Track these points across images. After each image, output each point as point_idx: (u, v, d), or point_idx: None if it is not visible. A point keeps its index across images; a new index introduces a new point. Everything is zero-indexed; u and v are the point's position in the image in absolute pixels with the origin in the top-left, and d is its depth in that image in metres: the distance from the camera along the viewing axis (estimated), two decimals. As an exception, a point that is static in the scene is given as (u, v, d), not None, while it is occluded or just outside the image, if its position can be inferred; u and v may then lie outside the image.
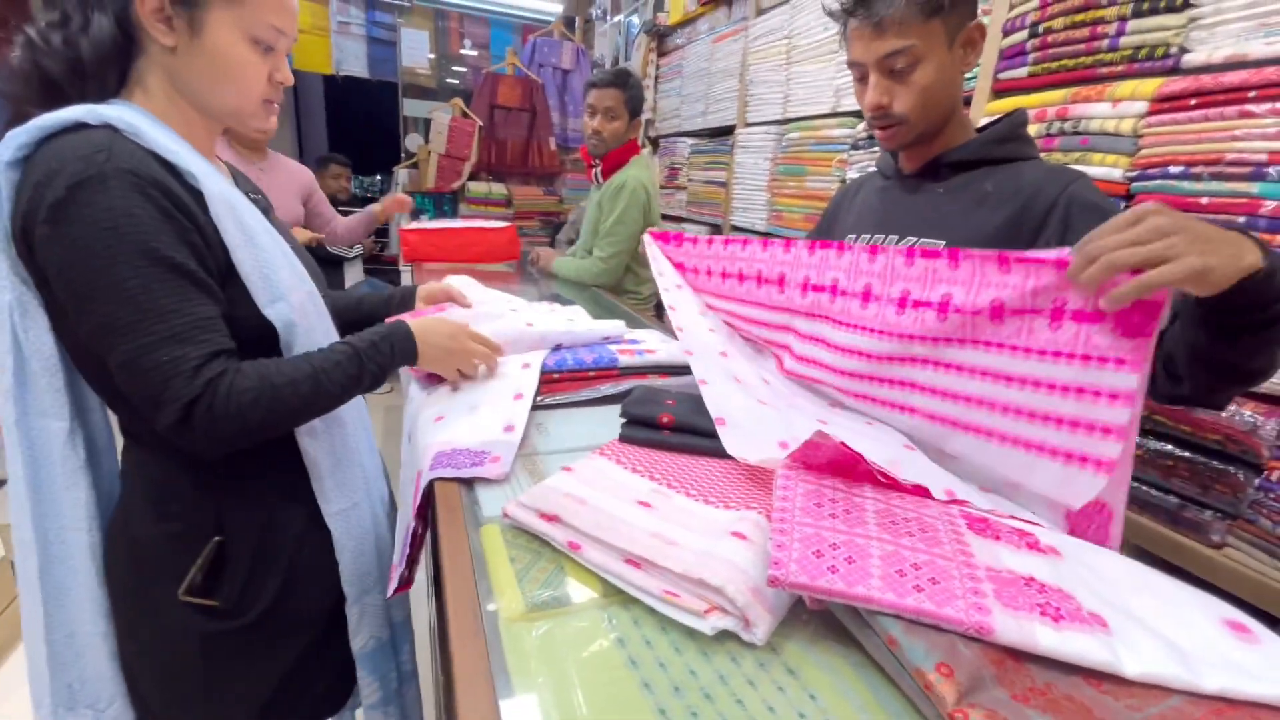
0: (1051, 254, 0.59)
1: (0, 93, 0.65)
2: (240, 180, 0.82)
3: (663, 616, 0.49)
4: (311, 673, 0.80)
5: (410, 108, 4.06)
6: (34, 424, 0.66)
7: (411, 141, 3.91)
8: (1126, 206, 1.05)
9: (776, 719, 0.41)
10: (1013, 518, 0.57)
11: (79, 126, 0.60)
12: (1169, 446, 0.99)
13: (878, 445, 0.73)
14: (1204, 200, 0.95)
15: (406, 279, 2.41)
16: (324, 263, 3.19)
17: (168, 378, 0.60)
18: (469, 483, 0.69)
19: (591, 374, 0.96)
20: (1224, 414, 0.91)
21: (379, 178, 5.18)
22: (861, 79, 0.89)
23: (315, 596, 0.79)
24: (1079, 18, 1.12)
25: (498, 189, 3.79)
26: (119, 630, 0.74)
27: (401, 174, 3.79)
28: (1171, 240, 0.51)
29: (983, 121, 0.96)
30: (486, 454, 0.72)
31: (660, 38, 3.01)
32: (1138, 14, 1.04)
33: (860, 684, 0.44)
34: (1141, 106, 1.01)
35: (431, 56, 4.12)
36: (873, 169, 1.12)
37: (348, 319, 1.00)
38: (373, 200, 2.60)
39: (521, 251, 2.39)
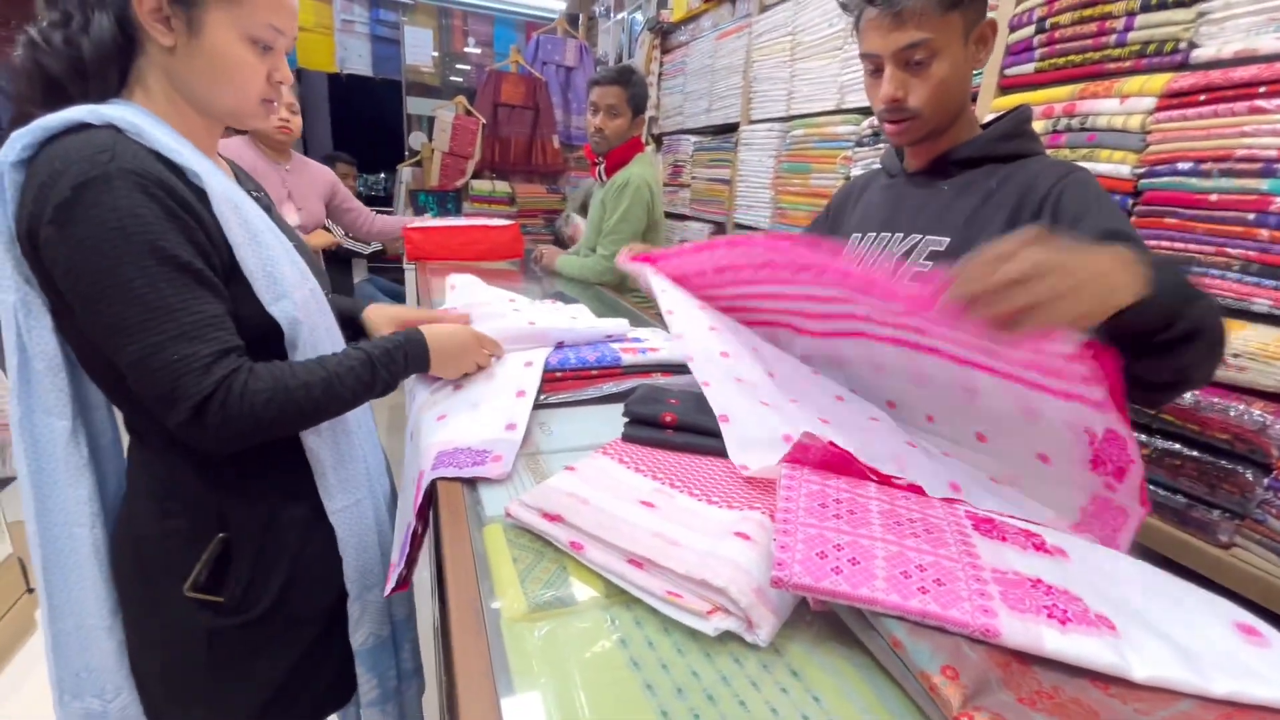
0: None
1: (3, 92, 0.65)
2: (243, 179, 0.82)
3: (665, 617, 0.49)
4: (315, 669, 0.80)
5: (414, 106, 4.07)
6: (38, 422, 0.67)
7: (415, 140, 3.91)
8: (1134, 204, 1.05)
9: (780, 721, 0.41)
10: (1013, 517, 0.57)
11: (82, 127, 0.60)
12: (1176, 445, 0.98)
13: (879, 441, 0.73)
14: (1213, 197, 0.94)
15: (410, 277, 2.41)
16: (334, 260, 3.21)
17: (178, 376, 0.60)
18: (471, 482, 0.69)
19: (594, 372, 0.96)
20: (1232, 413, 0.90)
21: (383, 176, 5.19)
22: (875, 72, 0.88)
23: (319, 593, 0.79)
24: (1086, 13, 1.11)
25: (501, 187, 3.79)
26: (126, 625, 0.75)
27: (405, 172, 3.80)
28: (1050, 282, 0.48)
29: (988, 118, 0.95)
30: (488, 453, 0.72)
31: (664, 34, 3.00)
32: (1146, 8, 1.03)
33: (864, 686, 0.44)
34: (1150, 102, 1.00)
35: (435, 54, 4.12)
36: (877, 166, 1.11)
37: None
38: (377, 199, 2.62)
39: (525, 249, 2.39)
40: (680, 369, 0.98)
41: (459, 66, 4.28)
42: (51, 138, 0.60)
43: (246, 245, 0.67)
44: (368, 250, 2.99)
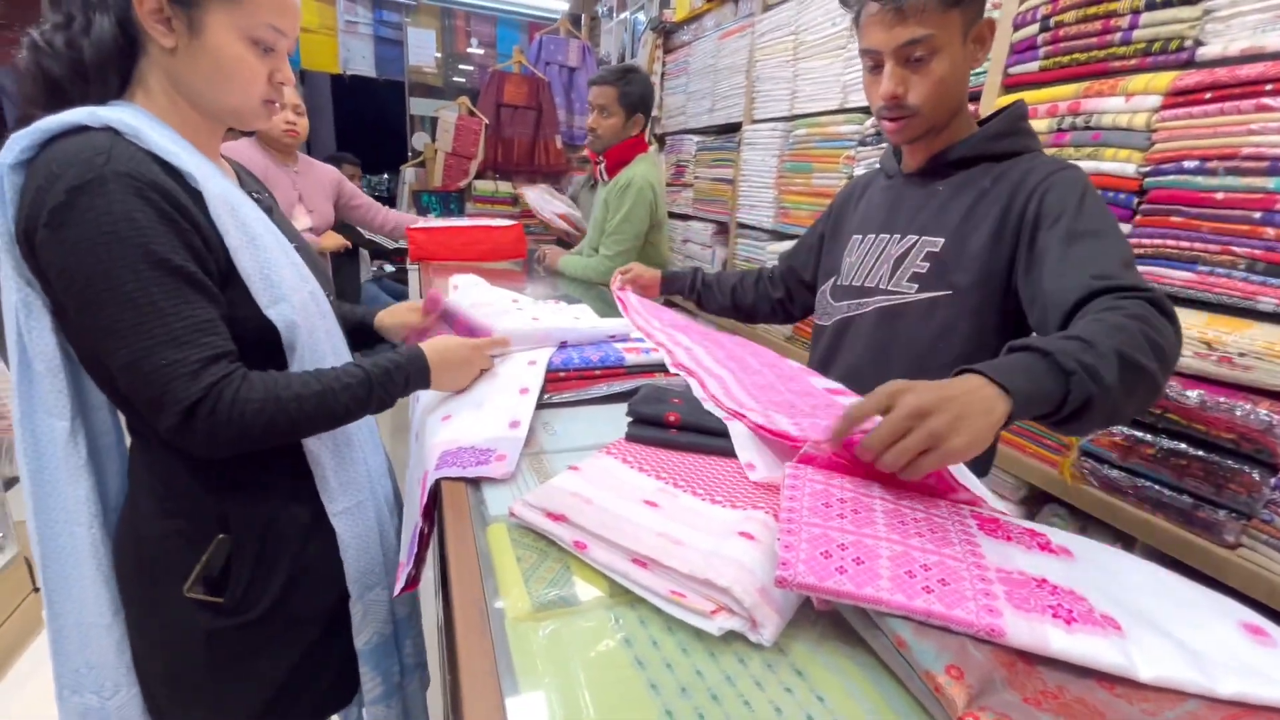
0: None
1: (6, 93, 0.66)
2: (245, 180, 0.82)
3: (669, 617, 0.49)
4: (316, 669, 0.80)
5: (417, 106, 4.08)
6: (38, 422, 0.67)
7: (418, 140, 3.92)
8: (1139, 204, 1.04)
9: (784, 720, 0.41)
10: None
11: (80, 129, 0.60)
12: (1182, 445, 0.98)
13: None
14: (1219, 195, 0.93)
15: (414, 278, 2.41)
16: (344, 259, 3.21)
17: (168, 380, 0.60)
18: (476, 482, 0.69)
19: (598, 372, 0.96)
20: (1239, 412, 0.90)
21: (386, 177, 5.21)
22: (875, 68, 0.88)
23: (320, 593, 0.79)
24: (1091, 10, 1.11)
25: (504, 187, 3.79)
26: (128, 625, 0.75)
27: (409, 173, 3.80)
28: (930, 426, 0.51)
29: (984, 113, 0.95)
30: (492, 452, 0.72)
31: (666, 34, 3.00)
32: (1151, 6, 1.03)
33: (869, 686, 0.44)
34: (1155, 101, 1.00)
35: (438, 55, 4.13)
36: (877, 166, 1.11)
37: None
38: (381, 200, 2.62)
39: (528, 249, 2.39)
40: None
41: (462, 67, 4.29)
42: (50, 140, 0.60)
43: (243, 248, 0.66)
44: (392, 244, 2.99)
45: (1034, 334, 0.81)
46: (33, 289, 0.64)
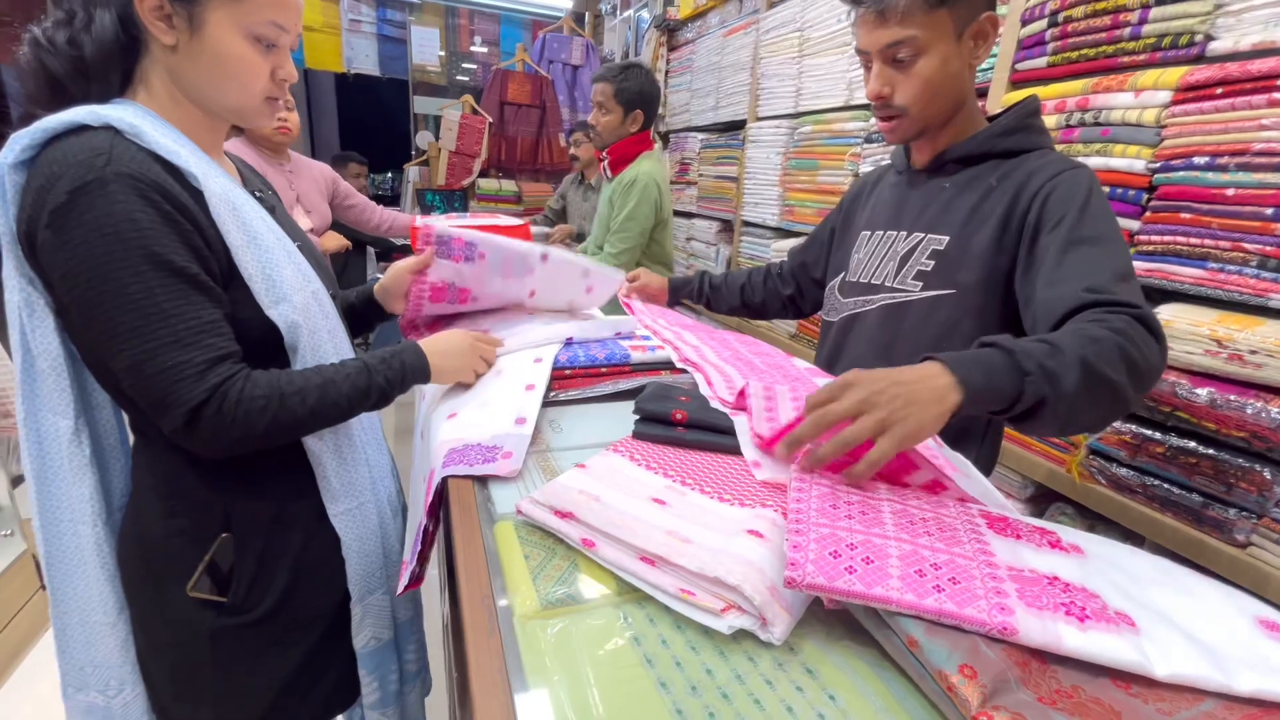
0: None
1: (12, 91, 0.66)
2: (249, 178, 0.81)
3: (678, 615, 0.49)
4: (319, 669, 0.80)
5: (421, 105, 4.08)
6: (42, 420, 0.67)
7: (422, 139, 3.92)
8: (1149, 200, 1.03)
9: (795, 718, 0.41)
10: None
11: (81, 129, 0.60)
12: (1192, 443, 0.97)
13: None
14: (1230, 192, 0.93)
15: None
16: (352, 254, 3.19)
17: (172, 382, 0.60)
18: (483, 479, 0.69)
19: (604, 370, 0.96)
20: (1250, 410, 0.89)
21: (390, 175, 5.21)
22: (867, 67, 0.88)
23: (323, 594, 0.79)
24: (1100, 5, 1.10)
25: (508, 185, 3.80)
26: (133, 623, 0.75)
27: (412, 171, 3.81)
28: (877, 414, 0.53)
29: (996, 111, 0.94)
30: (499, 449, 0.72)
31: (670, 32, 2.99)
32: (1161, 1, 1.02)
33: (880, 684, 0.44)
34: (1165, 96, 0.99)
35: (442, 54, 4.13)
36: (887, 162, 1.10)
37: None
38: (384, 198, 2.61)
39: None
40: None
41: (465, 65, 4.29)
42: (51, 139, 0.60)
43: (244, 248, 0.66)
44: (399, 242, 2.95)
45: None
46: (34, 288, 0.64)
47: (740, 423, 0.74)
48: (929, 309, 0.91)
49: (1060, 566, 0.46)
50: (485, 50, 4.29)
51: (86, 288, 0.59)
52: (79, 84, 0.64)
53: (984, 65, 1.35)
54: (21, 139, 0.59)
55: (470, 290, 1.03)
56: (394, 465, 0.94)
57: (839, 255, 1.09)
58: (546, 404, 0.86)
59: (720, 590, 0.48)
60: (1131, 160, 1.04)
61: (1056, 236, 0.77)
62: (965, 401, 0.55)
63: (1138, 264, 1.05)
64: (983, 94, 1.35)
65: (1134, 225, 1.06)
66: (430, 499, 0.68)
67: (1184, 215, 0.98)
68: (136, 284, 0.59)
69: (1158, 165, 1.01)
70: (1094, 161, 1.09)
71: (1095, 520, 1.17)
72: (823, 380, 0.93)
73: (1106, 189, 1.09)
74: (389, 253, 3.36)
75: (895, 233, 0.96)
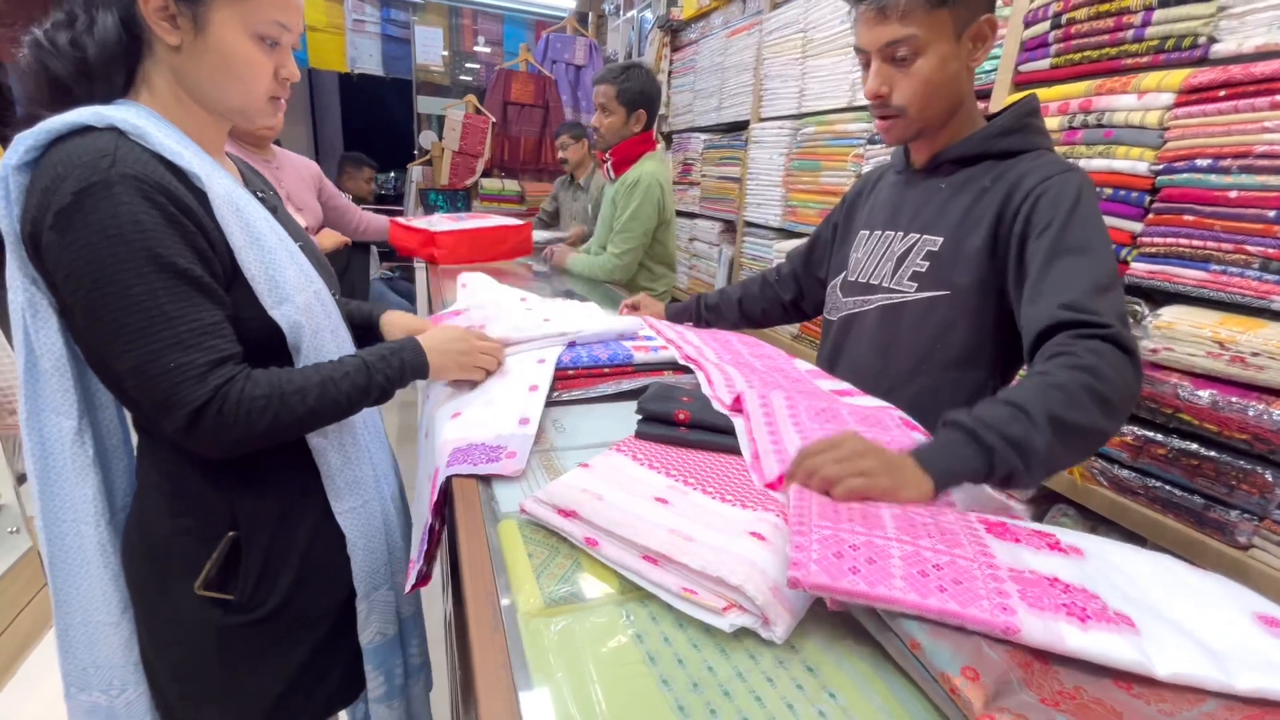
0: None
1: (14, 92, 0.66)
2: (251, 178, 0.82)
3: (680, 613, 0.49)
4: (325, 666, 0.81)
5: (424, 105, 4.08)
6: (45, 421, 0.67)
7: (425, 139, 3.93)
8: (1151, 202, 1.03)
9: (795, 717, 0.41)
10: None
11: (85, 129, 0.60)
12: (1194, 445, 0.97)
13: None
14: (1233, 194, 0.93)
15: (421, 276, 2.42)
16: (354, 255, 3.17)
17: (175, 384, 0.61)
18: (487, 478, 0.69)
19: (607, 370, 0.96)
20: (1251, 412, 0.89)
21: (393, 175, 5.22)
22: (866, 66, 0.88)
23: (328, 591, 0.79)
24: (1103, 7, 1.10)
25: (511, 185, 3.80)
26: (137, 623, 0.75)
27: (416, 171, 3.82)
28: (866, 462, 0.58)
29: (994, 110, 0.94)
30: (502, 449, 0.72)
31: (674, 32, 3.00)
32: (1164, 3, 1.02)
33: (880, 682, 0.44)
34: (1168, 98, 0.99)
35: (445, 53, 4.13)
36: (889, 161, 1.10)
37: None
38: (388, 197, 2.60)
39: (534, 246, 2.38)
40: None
41: (469, 65, 4.30)
42: (55, 140, 0.60)
43: (247, 248, 0.66)
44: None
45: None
46: (38, 289, 0.64)
47: (740, 425, 0.74)
48: (925, 310, 0.91)
49: (1060, 568, 0.46)
50: (489, 50, 4.30)
51: (90, 289, 0.59)
52: (82, 85, 0.64)
53: (987, 67, 1.36)
54: (25, 140, 0.60)
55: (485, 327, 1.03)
56: (395, 463, 0.94)
57: (840, 254, 1.10)
58: (550, 404, 0.86)
59: (722, 589, 0.48)
60: (1134, 162, 1.04)
61: (1042, 244, 0.77)
62: (939, 486, 0.59)
63: (1140, 266, 1.05)
64: (985, 95, 1.35)
65: (1137, 227, 1.06)
66: (435, 498, 0.69)
67: (1187, 217, 0.98)
68: (140, 286, 0.59)
69: (1160, 167, 1.01)
70: (1097, 163, 1.09)
71: (1097, 522, 1.17)
72: (824, 382, 0.93)
73: (1109, 191, 1.09)
74: (392, 252, 3.37)
75: (892, 233, 0.96)
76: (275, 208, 0.80)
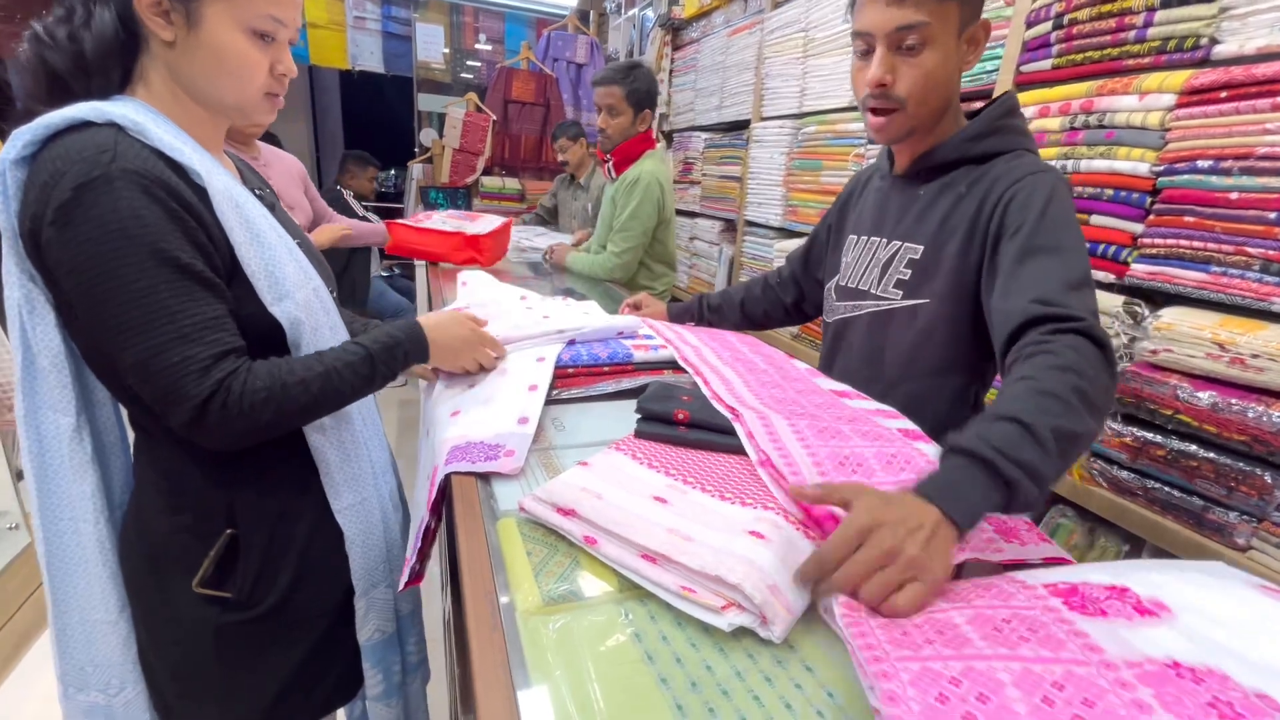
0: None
1: (14, 88, 0.66)
2: (248, 176, 0.82)
3: (679, 612, 0.49)
4: (323, 664, 0.81)
5: (425, 102, 4.08)
6: (43, 418, 0.67)
7: (426, 136, 3.93)
8: (1152, 203, 1.03)
9: (794, 716, 0.41)
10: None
11: (84, 125, 0.60)
12: (1193, 447, 0.97)
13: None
14: (1233, 195, 0.93)
15: (421, 274, 2.42)
16: (355, 255, 3.14)
17: (178, 378, 0.61)
18: (486, 477, 0.69)
19: (606, 369, 0.96)
20: (1251, 414, 0.89)
21: (394, 172, 5.22)
22: (865, 53, 0.84)
23: (326, 589, 0.79)
24: (1105, 8, 1.10)
25: (511, 183, 3.80)
26: (135, 621, 0.75)
27: (416, 169, 3.82)
28: (904, 560, 0.47)
29: (977, 104, 0.92)
30: (501, 447, 0.72)
31: (675, 31, 2.99)
32: (1166, 4, 1.02)
33: (879, 683, 0.44)
34: (1169, 99, 0.99)
35: (446, 51, 4.13)
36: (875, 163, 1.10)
37: None
38: (389, 194, 2.58)
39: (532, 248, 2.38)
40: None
41: (470, 63, 4.30)
42: (54, 135, 0.60)
43: (248, 245, 0.66)
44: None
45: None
46: (35, 285, 0.64)
47: (741, 430, 0.74)
48: (908, 318, 0.91)
49: (1167, 643, 0.41)
50: (490, 48, 4.29)
51: (92, 284, 0.59)
52: (79, 81, 0.64)
53: (988, 67, 1.35)
54: (24, 135, 0.60)
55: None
56: (394, 461, 0.94)
57: (834, 257, 1.10)
58: (549, 402, 0.86)
59: (721, 588, 0.48)
60: (1135, 163, 1.04)
61: (1014, 245, 0.76)
62: (964, 532, 0.52)
63: (1141, 267, 1.05)
64: (986, 95, 1.35)
65: (1137, 228, 1.06)
66: (433, 495, 0.69)
67: (1187, 219, 0.99)
68: (143, 280, 0.59)
69: (1161, 168, 1.01)
70: (1098, 164, 1.09)
71: (1096, 523, 1.17)
72: (823, 382, 0.93)
73: (1110, 191, 1.09)
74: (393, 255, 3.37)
75: (878, 239, 0.96)
76: (273, 205, 0.79)
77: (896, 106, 0.84)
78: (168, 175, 0.62)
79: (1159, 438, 1.01)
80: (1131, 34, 1.07)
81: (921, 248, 0.89)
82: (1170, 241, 1.01)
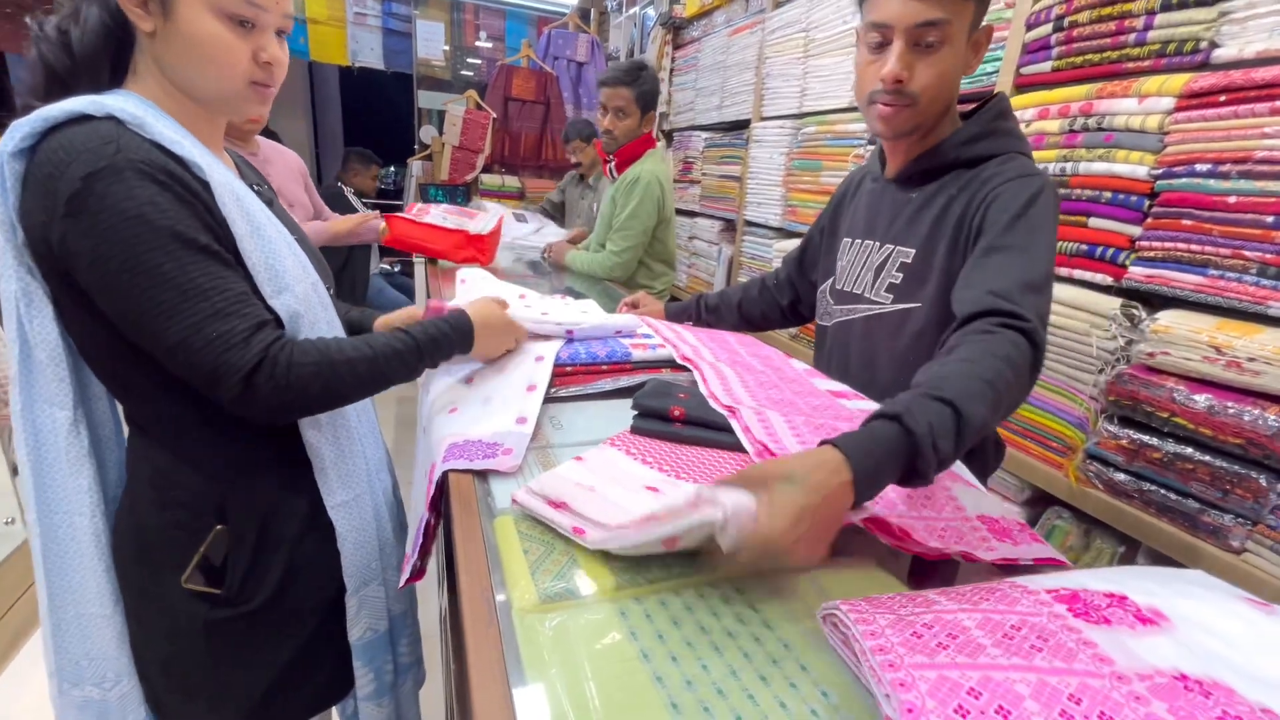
0: None
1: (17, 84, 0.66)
2: (246, 171, 0.81)
3: (675, 610, 0.49)
4: (314, 661, 0.80)
5: (425, 99, 4.07)
6: (39, 412, 0.67)
7: (425, 133, 3.92)
8: (1150, 206, 1.04)
9: (789, 715, 0.41)
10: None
11: (83, 118, 0.60)
12: (1189, 449, 0.97)
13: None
14: (1231, 199, 0.93)
15: (420, 271, 2.41)
16: (355, 249, 3.12)
17: (221, 352, 0.61)
18: (483, 474, 0.69)
19: (604, 367, 0.96)
20: (1247, 418, 0.89)
21: (393, 169, 5.21)
22: (879, 46, 0.82)
23: (318, 586, 0.79)
24: (1105, 11, 1.10)
25: (511, 181, 3.79)
26: (127, 615, 0.75)
27: (415, 166, 3.81)
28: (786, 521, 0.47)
29: (968, 106, 0.91)
30: (499, 446, 0.72)
31: (676, 30, 2.99)
32: (1166, 7, 1.02)
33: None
34: (1168, 103, 0.99)
35: (446, 48, 4.12)
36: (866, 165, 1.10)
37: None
38: (388, 191, 2.57)
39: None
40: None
41: (470, 60, 4.29)
42: (52, 128, 0.60)
43: (249, 237, 0.67)
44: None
45: None
46: (34, 277, 0.64)
47: (737, 425, 0.74)
48: (900, 322, 0.92)
49: (1173, 655, 0.42)
50: (490, 45, 4.28)
51: (120, 270, 0.59)
52: (71, 74, 0.64)
53: (989, 69, 1.36)
54: (22, 127, 0.59)
55: None
56: (389, 458, 0.94)
57: (828, 259, 1.10)
58: (548, 400, 0.86)
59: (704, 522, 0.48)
60: (1134, 166, 1.04)
61: (984, 241, 0.77)
62: (858, 496, 0.51)
63: (1138, 270, 1.05)
64: (986, 99, 1.34)
65: (1135, 231, 1.06)
66: (431, 493, 0.69)
67: (1185, 222, 0.99)
68: (170, 263, 0.60)
69: (1160, 172, 1.01)
70: (1097, 167, 1.10)
71: (1091, 525, 1.18)
72: (821, 382, 0.93)
73: (1109, 194, 1.09)
74: (392, 249, 3.36)
75: (871, 242, 0.97)
76: (270, 200, 0.79)
77: (909, 103, 0.82)
78: (172, 165, 0.62)
79: (1155, 440, 1.01)
80: (1131, 37, 1.07)
81: (913, 251, 0.89)
82: (1168, 244, 1.01)
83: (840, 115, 1.87)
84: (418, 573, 0.71)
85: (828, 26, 1.87)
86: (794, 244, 1.53)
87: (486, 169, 3.75)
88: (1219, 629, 0.44)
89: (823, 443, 0.53)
